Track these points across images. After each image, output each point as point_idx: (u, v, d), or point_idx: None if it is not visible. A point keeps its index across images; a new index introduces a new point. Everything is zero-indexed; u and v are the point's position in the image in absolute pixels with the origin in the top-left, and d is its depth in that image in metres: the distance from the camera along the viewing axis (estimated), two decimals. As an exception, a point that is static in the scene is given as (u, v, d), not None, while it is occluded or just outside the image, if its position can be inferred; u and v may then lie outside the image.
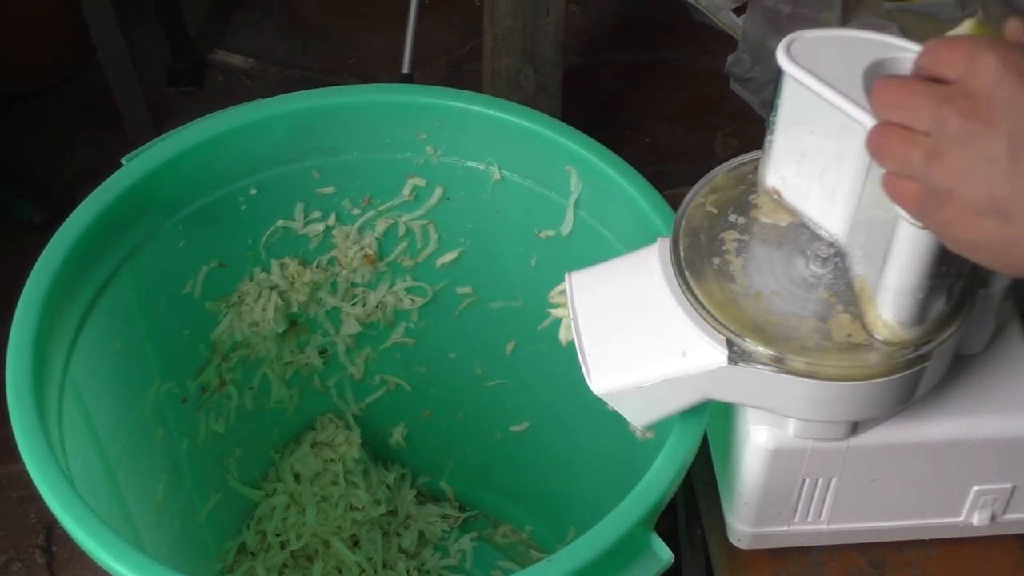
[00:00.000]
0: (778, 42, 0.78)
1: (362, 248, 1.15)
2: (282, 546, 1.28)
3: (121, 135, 1.84)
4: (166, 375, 1.12)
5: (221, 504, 1.25)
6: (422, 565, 1.33)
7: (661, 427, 0.86)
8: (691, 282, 0.82)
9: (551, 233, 1.09)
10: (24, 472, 0.83)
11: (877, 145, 0.67)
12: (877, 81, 0.68)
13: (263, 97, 1.07)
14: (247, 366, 1.19)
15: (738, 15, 2.05)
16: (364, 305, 1.19)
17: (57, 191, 1.83)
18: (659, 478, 0.83)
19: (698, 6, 2.11)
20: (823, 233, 0.83)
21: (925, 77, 0.65)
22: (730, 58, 1.96)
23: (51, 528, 1.50)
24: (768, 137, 0.83)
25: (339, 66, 2.07)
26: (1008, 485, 0.92)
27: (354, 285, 1.18)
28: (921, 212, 0.67)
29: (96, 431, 1.00)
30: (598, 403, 0.85)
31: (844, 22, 1.74)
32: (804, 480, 0.90)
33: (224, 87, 2.03)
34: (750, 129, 1.95)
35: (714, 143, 1.95)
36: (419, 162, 1.10)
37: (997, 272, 0.85)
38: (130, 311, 1.05)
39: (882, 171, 0.71)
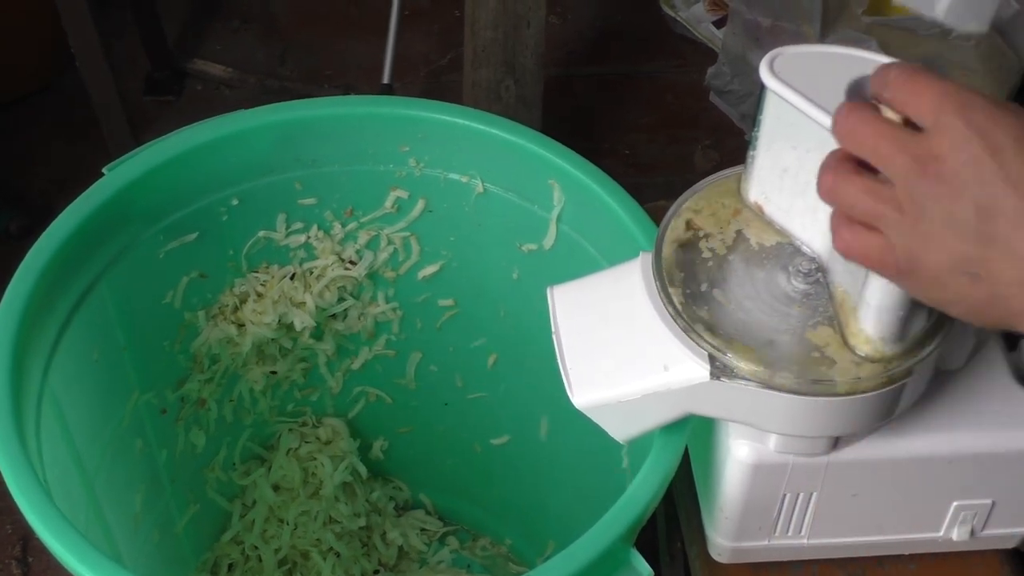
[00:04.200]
0: (758, 55, 0.78)
1: (344, 260, 1.15)
2: (260, 558, 1.28)
3: (98, 144, 1.83)
4: (145, 386, 1.12)
5: (199, 515, 1.24)
6: (400, 577, 1.33)
7: (642, 441, 0.86)
8: (673, 296, 0.82)
9: (533, 246, 1.09)
10: (0, 482, 0.83)
11: (833, 191, 0.66)
12: (843, 105, 0.67)
13: (242, 106, 1.07)
14: (226, 377, 1.19)
15: (718, 28, 2.06)
16: (345, 317, 1.19)
17: (33, 201, 1.82)
18: (640, 493, 0.83)
19: (678, 18, 2.11)
20: (805, 248, 0.83)
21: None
22: (710, 71, 1.97)
23: (27, 539, 1.49)
24: (750, 152, 0.83)
25: (318, 76, 2.06)
26: (988, 501, 0.93)
27: (335, 297, 1.17)
28: (887, 268, 0.66)
29: (74, 442, 1.00)
30: (579, 417, 0.84)
31: (824, 36, 1.75)
32: (785, 495, 0.90)
33: (202, 96, 2.02)
34: (729, 141, 1.96)
35: (693, 155, 1.95)
36: (401, 174, 1.10)
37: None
38: (109, 322, 1.04)
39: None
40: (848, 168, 0.66)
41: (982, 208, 0.61)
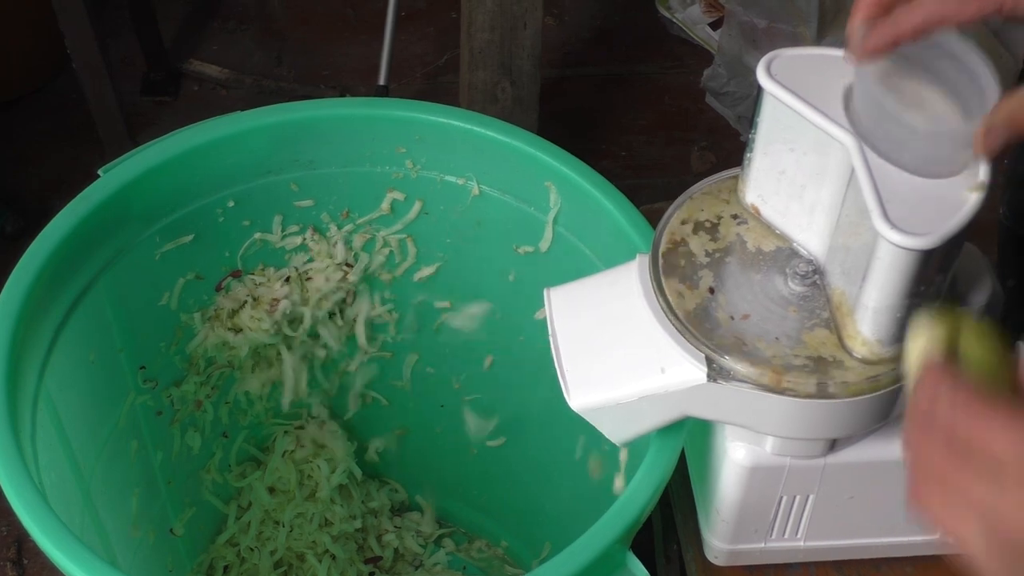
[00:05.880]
0: (754, 57, 0.78)
1: (340, 262, 1.15)
2: (256, 561, 1.27)
3: (94, 145, 1.83)
4: (141, 388, 1.12)
5: (195, 518, 1.24)
6: (397, 579, 1.33)
7: (639, 444, 0.86)
8: (670, 299, 0.82)
9: (530, 248, 1.09)
10: (-4, 485, 0.83)
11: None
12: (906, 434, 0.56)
13: (238, 107, 1.07)
14: (222, 379, 1.18)
15: (714, 29, 2.06)
16: (341, 319, 1.19)
17: (29, 202, 1.81)
18: (636, 496, 0.83)
19: (674, 20, 2.11)
20: (802, 250, 0.83)
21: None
22: (706, 72, 1.97)
23: (22, 541, 1.49)
24: (747, 154, 0.83)
25: (314, 77, 2.06)
26: (984, 503, 0.92)
27: (332, 299, 1.17)
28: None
29: (70, 444, 0.99)
30: (576, 418, 0.84)
31: (820, 37, 1.75)
32: (781, 497, 0.90)
33: (199, 97, 2.02)
34: (726, 143, 1.96)
35: (690, 157, 1.95)
36: (398, 176, 1.10)
37: (974, 289, 0.85)
38: (105, 323, 1.04)
39: (857, 192, 0.71)
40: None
41: None
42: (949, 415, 0.54)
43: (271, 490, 1.27)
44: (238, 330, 1.14)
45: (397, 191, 1.11)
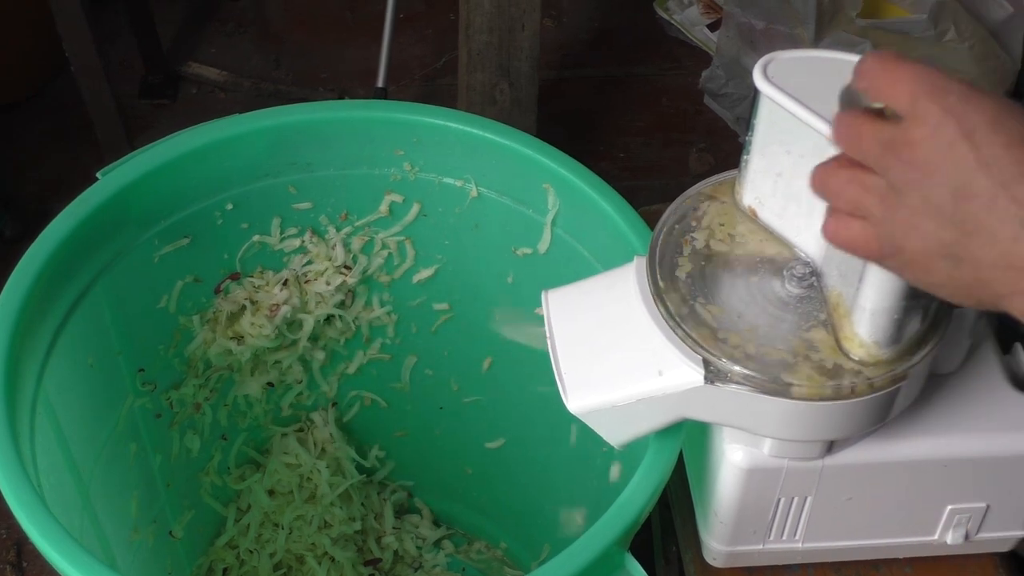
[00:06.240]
0: (752, 58, 0.78)
1: (338, 264, 1.15)
2: (255, 563, 1.27)
3: (92, 148, 1.83)
4: (140, 390, 1.12)
5: (195, 520, 1.24)
6: (396, 581, 1.33)
7: (637, 446, 0.86)
8: (667, 301, 0.82)
9: (528, 250, 1.09)
10: (-5, 488, 0.83)
11: (824, 183, 0.67)
12: (836, 114, 0.67)
13: (236, 110, 1.07)
14: (221, 382, 1.18)
15: (712, 31, 2.06)
16: (340, 321, 1.19)
17: (28, 205, 1.81)
18: (634, 497, 0.83)
19: (672, 21, 2.12)
20: (799, 252, 0.83)
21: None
22: (704, 74, 1.97)
23: (21, 544, 1.49)
24: (744, 156, 0.83)
25: (313, 79, 2.06)
26: (982, 504, 0.93)
27: (330, 302, 1.17)
28: (872, 253, 0.67)
29: (69, 447, 0.99)
30: (574, 421, 0.84)
31: (818, 38, 1.75)
32: (779, 499, 0.90)
33: (197, 99, 2.02)
34: (724, 145, 1.96)
35: (688, 158, 1.95)
36: (396, 178, 1.10)
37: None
38: (104, 326, 1.04)
39: None
40: (840, 162, 0.67)
41: (957, 191, 0.61)
42: (870, 63, 0.64)
43: (270, 493, 1.27)
44: (240, 338, 1.14)
45: (395, 193, 1.11)
